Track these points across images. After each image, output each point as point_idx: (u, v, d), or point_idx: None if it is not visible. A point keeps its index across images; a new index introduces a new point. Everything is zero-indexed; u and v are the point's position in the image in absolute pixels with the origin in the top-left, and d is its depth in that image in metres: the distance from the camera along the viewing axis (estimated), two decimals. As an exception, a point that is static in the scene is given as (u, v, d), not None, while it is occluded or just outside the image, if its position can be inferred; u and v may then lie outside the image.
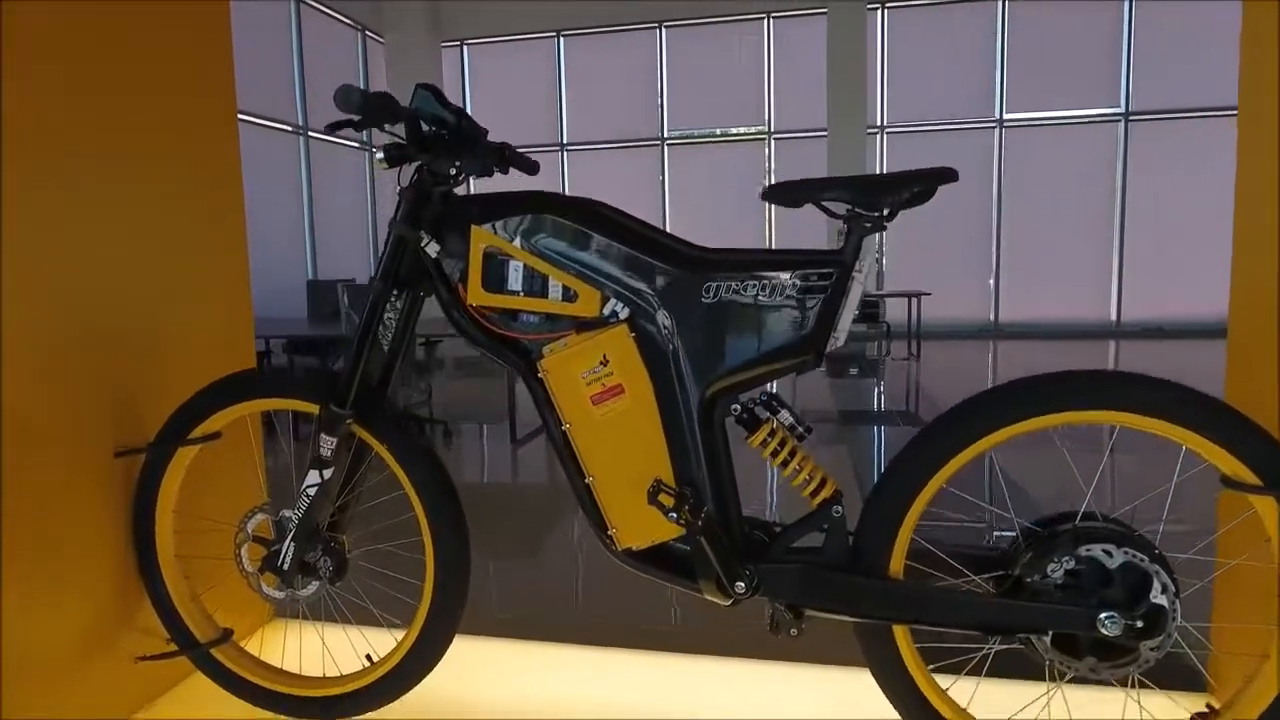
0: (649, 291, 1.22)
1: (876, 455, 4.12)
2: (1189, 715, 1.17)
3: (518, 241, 1.25)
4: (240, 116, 1.84)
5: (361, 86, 1.15)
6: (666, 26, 10.15)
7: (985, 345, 8.83)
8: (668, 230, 1.25)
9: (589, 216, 1.24)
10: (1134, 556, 1.09)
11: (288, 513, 1.38)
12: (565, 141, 10.63)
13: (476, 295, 1.27)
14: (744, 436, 1.24)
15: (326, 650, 1.69)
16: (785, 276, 1.18)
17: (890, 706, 1.25)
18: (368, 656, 1.46)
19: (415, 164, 1.29)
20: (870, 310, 7.81)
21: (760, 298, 1.19)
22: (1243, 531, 1.27)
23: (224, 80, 1.76)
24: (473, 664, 1.70)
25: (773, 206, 10.12)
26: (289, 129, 8.84)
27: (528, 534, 2.94)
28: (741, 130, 10.22)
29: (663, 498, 1.19)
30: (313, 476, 1.35)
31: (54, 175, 1.36)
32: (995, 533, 2.75)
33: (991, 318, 9.84)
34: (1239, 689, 1.15)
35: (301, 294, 7.39)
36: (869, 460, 4.01)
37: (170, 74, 1.60)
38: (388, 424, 1.37)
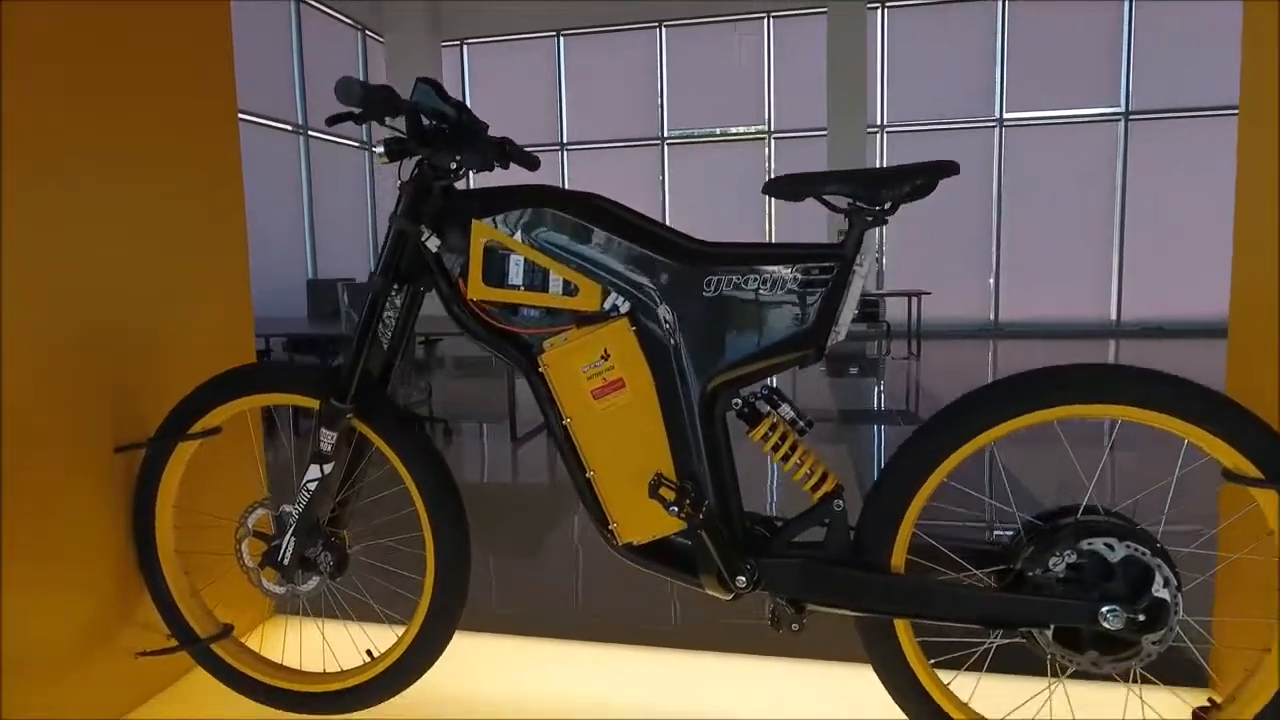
0: (650, 285, 1.22)
1: (877, 454, 4.12)
2: (1191, 710, 1.17)
3: (518, 236, 1.25)
4: (240, 116, 1.84)
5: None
6: (666, 26, 10.15)
7: (985, 344, 8.83)
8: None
9: (590, 210, 1.24)
10: (1136, 550, 1.09)
11: (288, 508, 1.38)
12: (565, 141, 10.63)
13: (477, 290, 1.27)
14: (745, 431, 1.24)
15: (327, 645, 1.69)
16: (786, 270, 1.18)
17: (891, 702, 1.25)
18: (368, 652, 1.45)
19: (416, 158, 1.29)
20: (870, 309, 7.81)
21: (761, 292, 1.19)
22: (1244, 525, 1.27)
23: (224, 80, 1.76)
24: (473, 660, 1.70)
25: (773, 206, 10.15)
26: (289, 128, 8.84)
27: (528, 532, 2.93)
28: (741, 130, 10.22)
29: (664, 492, 1.19)
30: (313, 471, 1.35)
31: (54, 174, 1.36)
32: (996, 532, 2.75)
33: (991, 317, 9.84)
34: (1240, 683, 1.15)
35: (301, 293, 7.40)
36: (869, 459, 4.01)
37: (170, 74, 1.60)
38: (388, 419, 1.36)
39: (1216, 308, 8.84)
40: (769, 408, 1.23)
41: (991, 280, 9.80)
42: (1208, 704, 1.17)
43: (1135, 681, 1.32)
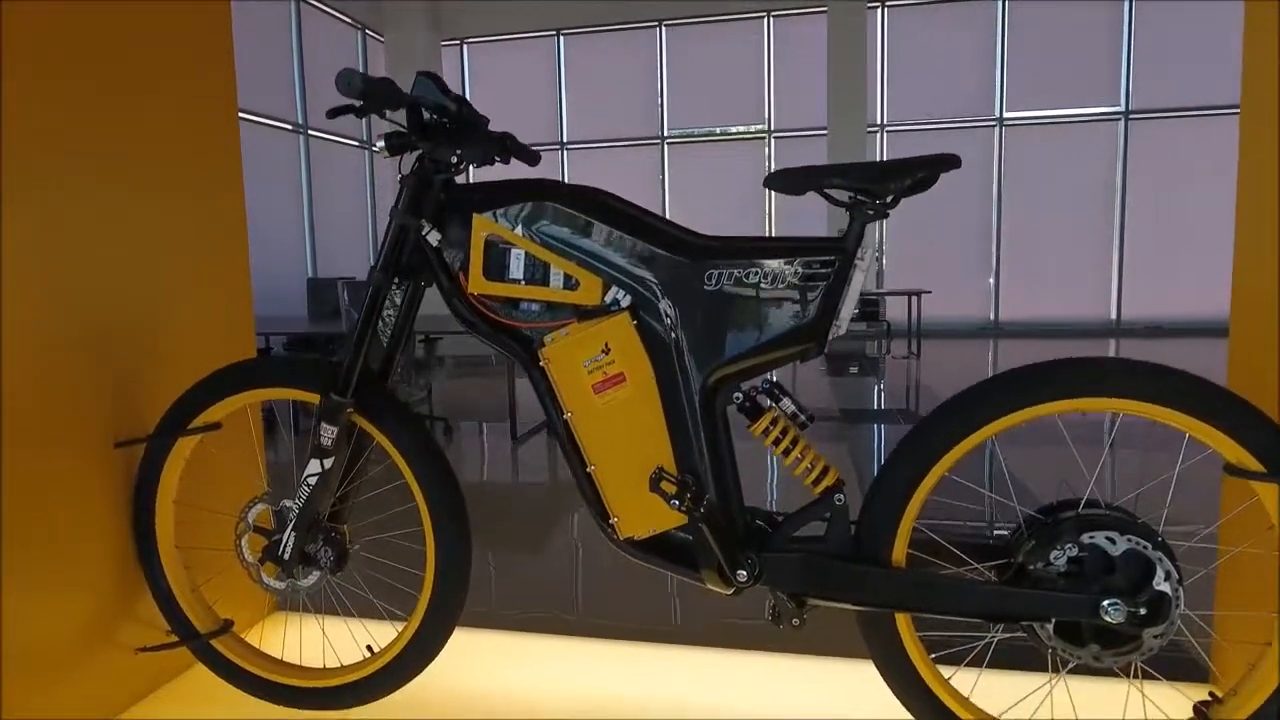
0: (651, 279, 1.22)
1: (877, 453, 4.12)
2: (1192, 705, 1.17)
3: (519, 229, 1.25)
4: (240, 115, 1.84)
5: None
6: (666, 25, 10.15)
7: (985, 344, 8.83)
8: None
9: (590, 204, 1.23)
10: (1137, 544, 1.09)
11: (288, 503, 1.38)
12: (565, 140, 10.63)
13: (478, 284, 1.27)
14: (745, 425, 1.23)
15: (327, 641, 1.68)
16: (787, 264, 1.18)
17: (890, 699, 1.25)
18: (368, 647, 1.45)
19: (416, 153, 1.29)
20: (870, 309, 7.81)
21: (762, 285, 1.18)
22: (1245, 519, 1.27)
23: (224, 80, 1.76)
24: (473, 655, 1.70)
25: (773, 206, 10.15)
26: (289, 127, 8.83)
27: (528, 530, 2.93)
28: (741, 129, 10.22)
29: (664, 485, 1.19)
30: (313, 466, 1.34)
31: (55, 173, 1.36)
32: (997, 530, 2.75)
33: (992, 316, 9.84)
34: (1242, 677, 1.15)
35: (301, 293, 7.40)
36: (870, 458, 4.00)
37: (170, 74, 1.60)
38: (388, 413, 1.36)
39: (1217, 307, 8.85)
40: (770, 402, 1.22)
41: (991, 279, 9.80)
42: (1209, 699, 1.17)
43: (1137, 677, 1.32)
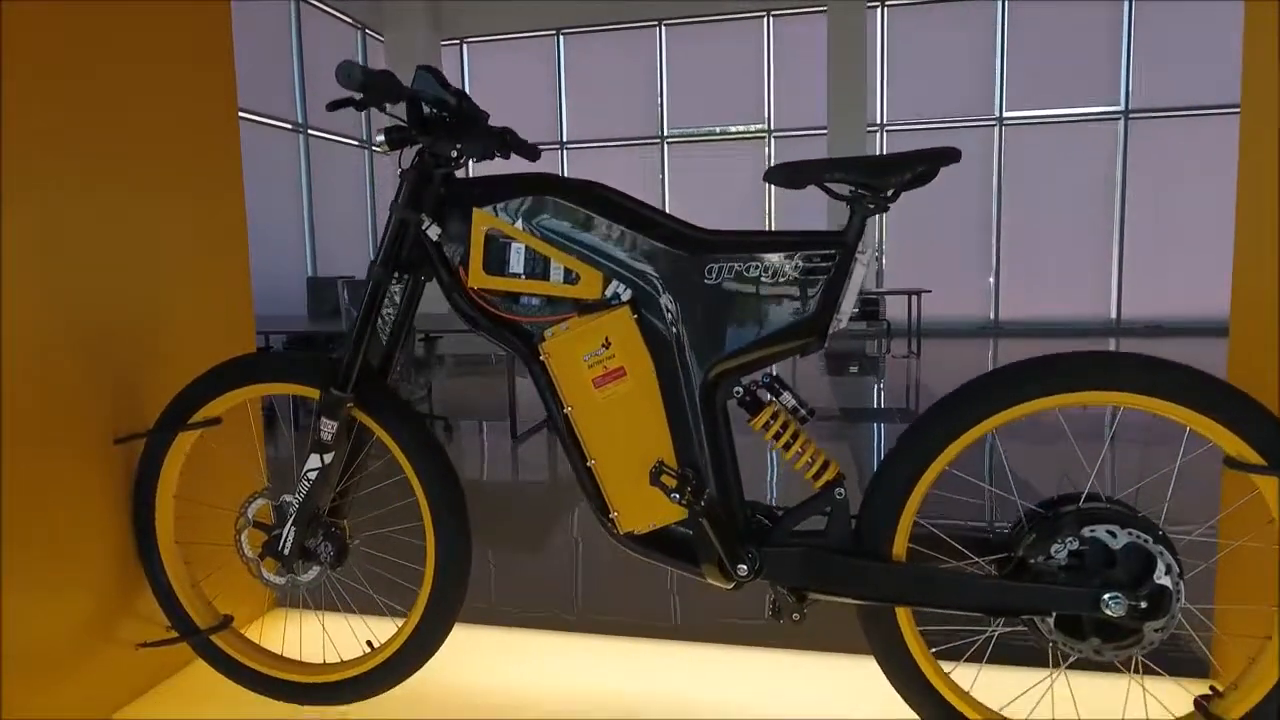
0: (651, 273, 1.22)
1: (877, 452, 4.12)
2: (1193, 699, 1.17)
3: (519, 224, 1.25)
4: (240, 114, 1.84)
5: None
6: (666, 25, 10.15)
7: (985, 343, 8.83)
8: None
9: (591, 198, 1.23)
10: (1138, 537, 1.09)
11: (288, 497, 1.38)
12: (565, 140, 10.63)
13: (478, 278, 1.26)
14: (746, 419, 1.23)
15: (327, 637, 1.68)
16: (787, 258, 1.18)
17: (890, 695, 1.24)
18: (368, 643, 1.45)
19: (416, 147, 1.29)
20: (870, 308, 7.81)
21: (762, 279, 1.18)
22: (1246, 513, 1.27)
23: (224, 80, 1.76)
24: (474, 652, 1.70)
25: (773, 207, 10.15)
26: (289, 127, 8.83)
27: (528, 528, 2.93)
28: (741, 128, 10.22)
29: (665, 479, 1.19)
30: (313, 460, 1.34)
31: (56, 174, 1.36)
32: (997, 525, 2.75)
33: (992, 315, 9.84)
34: (1242, 671, 1.15)
35: (301, 292, 7.39)
36: (870, 457, 4.00)
37: (171, 74, 1.61)
38: (388, 408, 1.36)
39: (1216, 306, 8.85)
40: (770, 396, 1.22)
41: (991, 279, 9.81)
42: (1210, 693, 1.17)
43: (1137, 671, 1.32)
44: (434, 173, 1.29)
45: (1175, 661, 1.49)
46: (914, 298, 7.83)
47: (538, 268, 1.24)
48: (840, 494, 1.20)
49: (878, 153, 9.84)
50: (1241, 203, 1.39)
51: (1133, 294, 9.49)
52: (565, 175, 1.26)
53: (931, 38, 9.64)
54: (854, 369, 7.07)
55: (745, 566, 1.21)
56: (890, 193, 1.13)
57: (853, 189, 1.15)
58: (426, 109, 1.26)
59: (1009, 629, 1.17)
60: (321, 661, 1.51)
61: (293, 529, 1.37)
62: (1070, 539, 1.10)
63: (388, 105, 1.21)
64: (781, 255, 1.18)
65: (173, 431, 1.46)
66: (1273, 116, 1.32)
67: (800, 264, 1.17)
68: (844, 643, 1.67)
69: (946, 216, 9.69)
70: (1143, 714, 1.34)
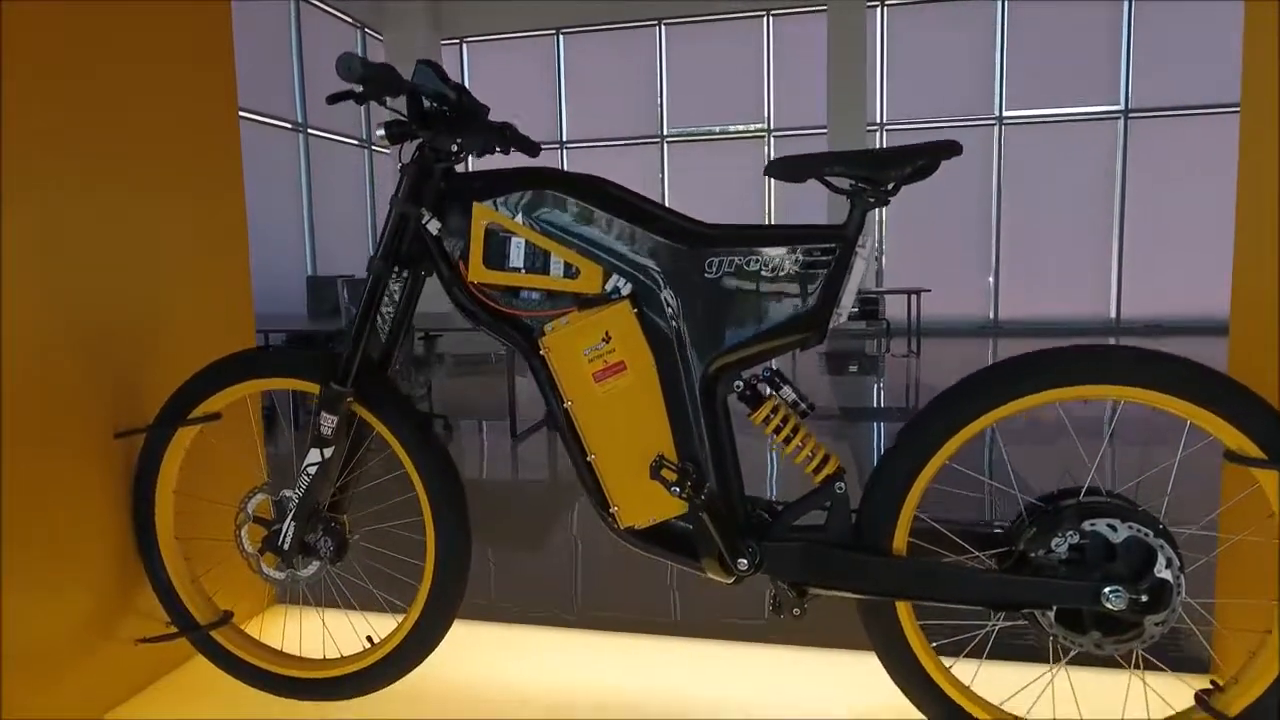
0: (651, 267, 1.21)
1: (877, 451, 4.12)
2: (1194, 694, 1.17)
3: (519, 218, 1.24)
4: (240, 114, 1.84)
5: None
6: (666, 24, 10.16)
7: (985, 342, 8.83)
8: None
9: (591, 192, 1.23)
10: (1138, 531, 1.08)
11: (288, 492, 1.38)
12: (565, 139, 10.63)
13: (478, 273, 1.26)
14: (746, 413, 1.23)
15: (327, 633, 1.68)
16: (788, 252, 1.17)
17: (892, 690, 1.24)
18: (368, 638, 1.45)
19: (416, 141, 1.29)
20: (870, 307, 7.81)
21: (763, 273, 1.18)
22: (1246, 506, 1.27)
23: (225, 79, 1.76)
24: (473, 647, 1.69)
25: (772, 206, 10.14)
26: (288, 126, 8.83)
27: (528, 527, 2.93)
28: (741, 128, 10.22)
29: (665, 473, 1.19)
30: (313, 455, 1.34)
31: (56, 174, 1.36)
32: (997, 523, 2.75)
33: (991, 315, 9.85)
34: (1243, 665, 1.15)
35: (301, 292, 7.39)
36: (870, 456, 4.00)
37: (171, 74, 1.61)
38: (388, 403, 1.36)
39: (1216, 305, 8.85)
40: (770, 390, 1.22)
41: (991, 278, 9.81)
42: (1210, 687, 1.16)
43: (1138, 667, 1.32)
44: (434, 167, 1.29)
45: (1176, 660, 1.49)
46: (913, 297, 7.83)
47: (538, 262, 1.24)
48: (840, 488, 1.20)
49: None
50: (1242, 202, 1.39)
51: (1132, 293, 9.50)
52: (566, 170, 1.26)
53: (931, 37, 9.64)
54: (853, 368, 7.07)
55: (745, 561, 1.21)
56: (890, 186, 1.13)
57: (853, 182, 1.15)
58: (427, 103, 1.26)
59: (1009, 623, 1.17)
60: (321, 657, 1.51)
61: (293, 524, 1.37)
62: (1071, 533, 1.10)
63: (388, 99, 1.21)
64: (782, 249, 1.17)
65: (172, 426, 1.46)
66: (1273, 116, 1.32)
67: (800, 258, 1.17)
68: (844, 639, 1.67)
69: (946, 216, 9.69)
70: (1143, 709, 1.34)
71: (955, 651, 1.34)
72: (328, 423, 1.33)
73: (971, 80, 9.65)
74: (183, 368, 1.61)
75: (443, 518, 1.36)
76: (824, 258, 1.17)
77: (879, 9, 9.68)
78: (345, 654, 1.48)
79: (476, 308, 1.28)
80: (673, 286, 1.21)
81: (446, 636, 1.41)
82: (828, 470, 1.21)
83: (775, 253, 1.18)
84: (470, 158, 1.35)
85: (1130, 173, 9.39)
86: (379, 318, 1.33)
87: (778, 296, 1.18)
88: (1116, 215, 9.45)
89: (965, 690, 1.22)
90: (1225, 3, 8.68)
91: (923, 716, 1.23)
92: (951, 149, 1.10)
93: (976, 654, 1.40)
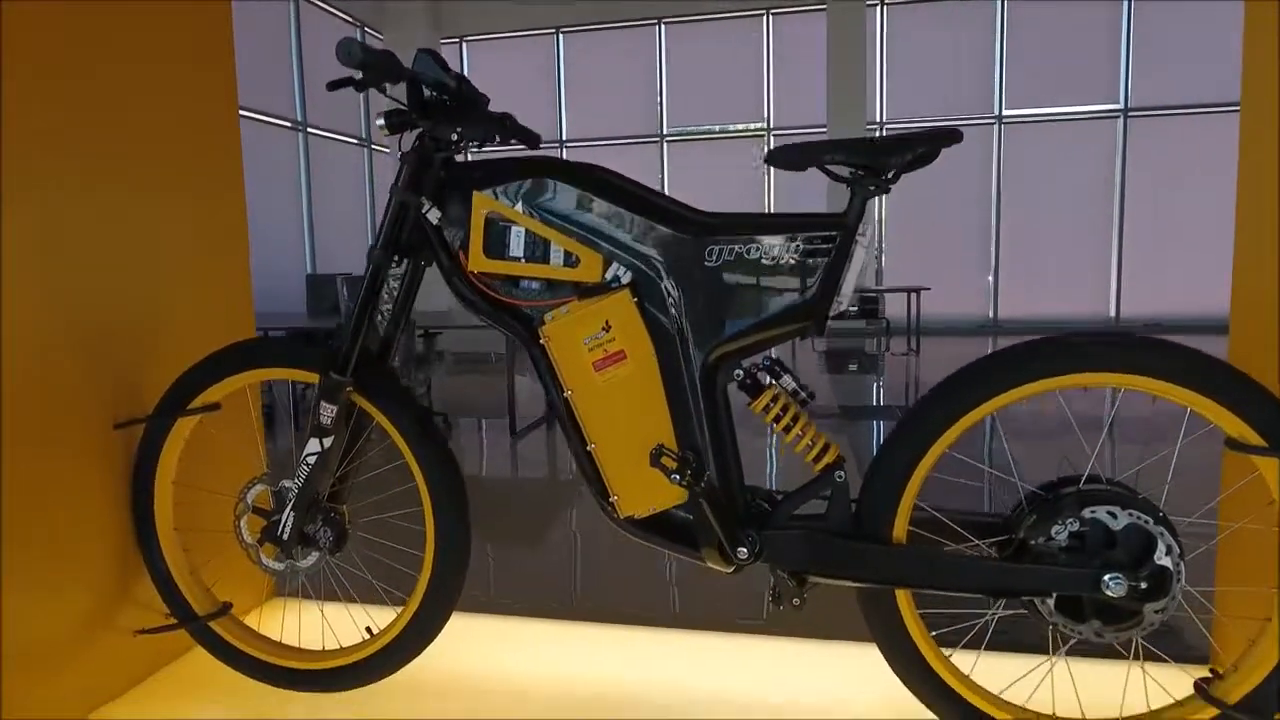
0: (652, 256, 1.21)
1: (876, 449, 4.12)
2: (1193, 682, 1.17)
3: (520, 206, 1.24)
4: (240, 113, 1.84)
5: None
6: (666, 23, 10.16)
7: (985, 341, 8.83)
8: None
9: (591, 181, 1.23)
10: (1138, 518, 1.08)
11: (287, 483, 1.37)
12: (565, 139, 10.63)
13: (478, 262, 1.26)
14: (746, 402, 1.23)
15: (326, 624, 1.68)
16: (789, 240, 1.17)
17: (892, 682, 1.24)
18: (367, 629, 1.45)
19: (416, 131, 1.29)
20: (869, 306, 7.81)
21: (763, 262, 1.18)
22: (1246, 494, 1.27)
23: (225, 79, 1.76)
24: (472, 639, 1.69)
25: (772, 204, 10.14)
26: (288, 125, 8.83)
27: (527, 524, 2.93)
28: (741, 127, 10.22)
29: (665, 461, 1.19)
30: (313, 445, 1.34)
31: (56, 174, 1.36)
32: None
33: (991, 313, 9.85)
34: (1242, 653, 1.14)
35: (301, 290, 7.38)
36: (869, 454, 4.00)
37: (171, 74, 1.61)
38: (388, 393, 1.36)
39: (1216, 304, 8.86)
40: (770, 379, 1.22)
41: (990, 277, 9.81)
42: (1210, 675, 1.16)
43: (1137, 656, 1.32)
44: (434, 156, 1.29)
45: (1175, 649, 1.49)
46: (913, 296, 7.83)
47: (538, 251, 1.24)
48: (840, 477, 1.20)
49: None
50: (1241, 201, 1.39)
51: (1132, 292, 9.50)
52: (566, 159, 1.26)
53: (931, 36, 9.65)
54: (853, 367, 7.07)
55: (745, 550, 1.21)
56: (891, 174, 1.13)
57: (853, 170, 1.15)
58: (427, 92, 1.26)
59: (1009, 611, 1.17)
60: (320, 648, 1.51)
61: (292, 514, 1.37)
62: (1071, 520, 1.10)
63: (388, 87, 1.21)
64: (782, 237, 1.17)
65: (172, 417, 1.45)
66: (1272, 115, 1.33)
67: (801, 246, 1.17)
68: (844, 631, 1.67)
69: (946, 214, 9.70)
70: (1142, 698, 1.34)
71: (955, 642, 1.34)
72: (327, 412, 1.33)
73: (971, 79, 9.66)
74: (183, 367, 1.61)
75: (442, 508, 1.36)
76: (824, 246, 1.17)
77: (879, 8, 9.68)
78: (344, 645, 1.47)
79: (476, 297, 1.28)
80: (673, 275, 1.21)
81: (445, 629, 1.40)
82: (828, 459, 1.21)
83: (776, 241, 1.17)
84: (470, 146, 1.35)
85: (1130, 172, 9.40)
86: (379, 309, 1.33)
87: (778, 285, 1.18)
88: (1116, 214, 9.46)
89: (965, 679, 1.22)
90: (1225, 2, 8.69)
91: (922, 706, 1.23)
92: (952, 136, 1.10)
93: (976, 644, 1.40)
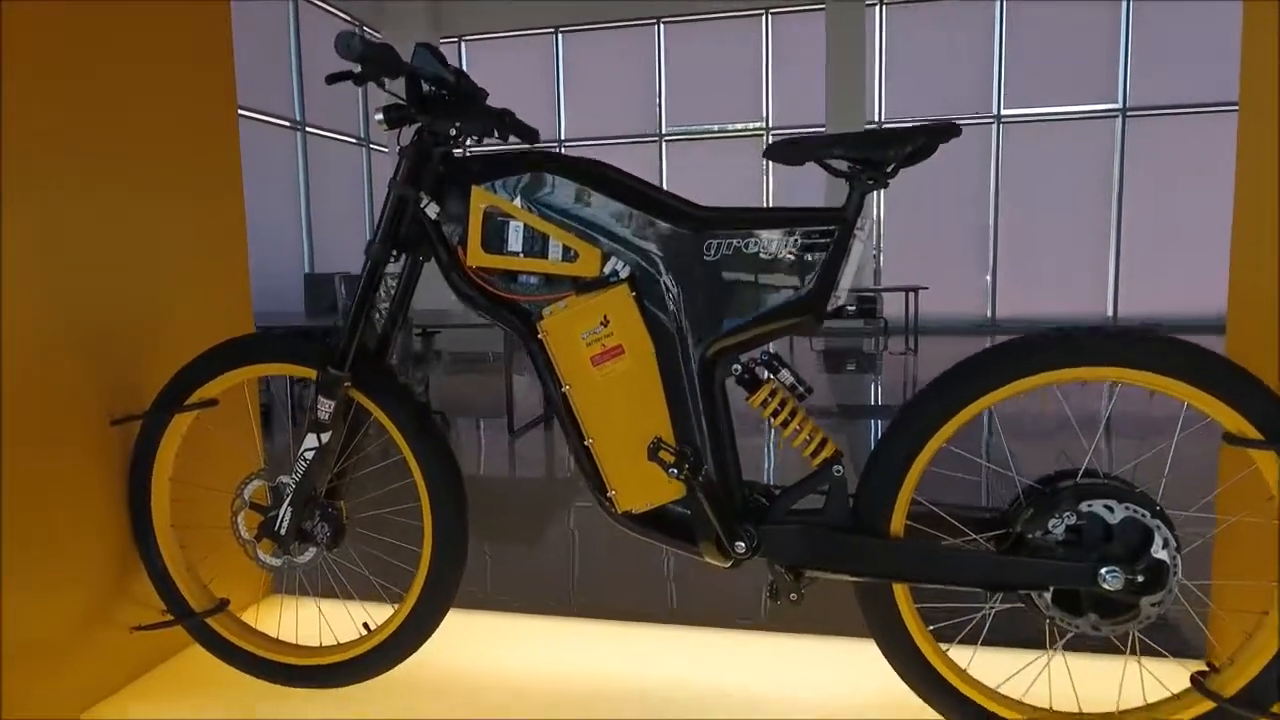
0: (650, 250, 1.21)
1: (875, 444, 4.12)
2: (1190, 675, 1.17)
3: (518, 201, 1.24)
4: (239, 112, 1.84)
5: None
6: (665, 22, 10.16)
7: (983, 341, 8.84)
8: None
9: (589, 175, 1.23)
10: (1135, 512, 1.09)
11: (285, 478, 1.37)
12: (564, 138, 10.63)
13: (476, 256, 1.26)
14: (744, 397, 1.23)
15: (323, 620, 1.68)
16: (787, 234, 1.17)
17: (890, 677, 1.24)
18: (365, 625, 1.45)
19: (415, 125, 1.29)
20: (867, 305, 7.82)
21: (762, 256, 1.18)
22: (1243, 488, 1.27)
23: (224, 79, 1.76)
24: (469, 636, 1.69)
25: (771, 201, 10.15)
26: (286, 124, 8.83)
27: (526, 523, 2.93)
28: (740, 126, 10.23)
29: (663, 454, 1.19)
30: (310, 440, 1.34)
31: (56, 174, 1.36)
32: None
33: (989, 313, 9.86)
34: (1239, 646, 1.15)
35: (299, 289, 7.38)
36: (867, 453, 4.01)
37: (171, 74, 1.61)
38: (386, 388, 1.36)
39: (1214, 303, 8.87)
40: (768, 374, 1.22)
41: (988, 276, 9.82)
42: (1206, 668, 1.17)
43: (1134, 651, 1.32)
44: (433, 151, 1.29)
45: (1172, 644, 1.49)
46: (911, 295, 7.83)
47: (536, 245, 1.24)
48: (838, 471, 1.20)
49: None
50: (1239, 201, 1.39)
51: (1130, 291, 9.52)
52: (565, 153, 1.26)
53: (930, 35, 9.66)
54: (851, 366, 7.07)
55: (743, 544, 1.21)
56: (889, 168, 1.13)
57: (851, 164, 1.15)
58: (425, 86, 1.26)
59: (1006, 605, 1.17)
60: (318, 644, 1.51)
61: (289, 510, 1.37)
62: (1068, 514, 1.10)
63: (386, 81, 1.21)
64: (781, 232, 1.17)
65: (169, 413, 1.45)
66: (1271, 115, 1.33)
67: (799, 240, 1.17)
68: (842, 626, 1.67)
69: (944, 214, 9.71)
70: (1139, 692, 1.34)
71: (952, 637, 1.34)
72: (324, 407, 1.32)
73: (970, 79, 9.67)
74: (182, 354, 1.61)
75: (440, 504, 1.36)
76: (822, 240, 1.17)
77: (878, 7, 9.69)
78: (341, 641, 1.47)
79: (475, 292, 1.28)
80: (671, 270, 1.21)
81: (443, 625, 1.40)
82: (825, 454, 1.21)
83: (774, 235, 1.17)
84: (468, 141, 1.35)
85: (1128, 171, 9.41)
86: (376, 306, 1.33)
87: (776, 279, 1.18)
88: (1114, 214, 9.48)
89: (962, 674, 1.22)
90: (1224, 2, 8.70)
91: (920, 701, 1.23)
92: (950, 130, 1.10)
93: (972, 639, 1.40)
